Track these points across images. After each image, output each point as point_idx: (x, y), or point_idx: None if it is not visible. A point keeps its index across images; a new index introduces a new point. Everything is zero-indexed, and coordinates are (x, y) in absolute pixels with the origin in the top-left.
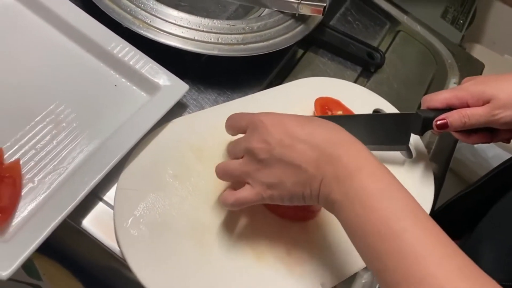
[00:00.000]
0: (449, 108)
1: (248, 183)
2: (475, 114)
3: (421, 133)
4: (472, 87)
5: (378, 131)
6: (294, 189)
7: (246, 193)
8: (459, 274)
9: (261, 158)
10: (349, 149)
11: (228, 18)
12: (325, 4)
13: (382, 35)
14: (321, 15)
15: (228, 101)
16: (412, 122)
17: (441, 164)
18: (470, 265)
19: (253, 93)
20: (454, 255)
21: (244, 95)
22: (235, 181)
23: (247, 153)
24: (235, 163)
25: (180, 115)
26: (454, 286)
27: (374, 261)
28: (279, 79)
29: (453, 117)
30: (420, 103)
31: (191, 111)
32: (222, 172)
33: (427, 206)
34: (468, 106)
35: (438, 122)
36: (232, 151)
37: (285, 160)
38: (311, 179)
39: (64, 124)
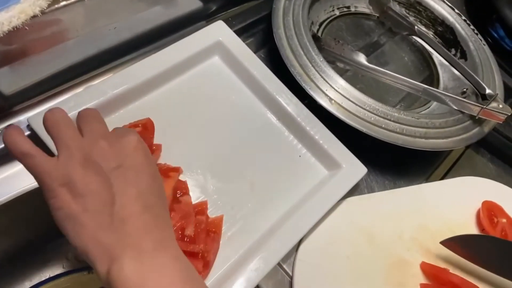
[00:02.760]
0: None
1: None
2: None
3: None
4: None
5: None
6: (90, 227)
7: (46, 163)
8: None
9: (93, 150)
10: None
11: (395, 105)
12: (509, 113)
13: None
14: (501, 122)
15: (394, 187)
16: None
17: None
18: None
19: (417, 183)
20: None
21: (408, 184)
22: None
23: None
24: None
25: (352, 194)
26: None
27: None
28: (441, 172)
29: None
30: None
31: (362, 192)
32: (52, 121)
33: None
34: None
35: None
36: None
37: (111, 181)
38: (111, 235)
39: (256, 187)
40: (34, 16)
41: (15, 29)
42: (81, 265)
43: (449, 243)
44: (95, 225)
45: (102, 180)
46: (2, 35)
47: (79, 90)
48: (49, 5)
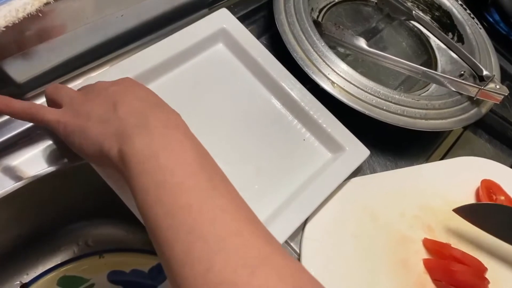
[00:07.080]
0: None
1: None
2: None
3: None
4: None
5: None
6: (96, 128)
7: (49, 110)
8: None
9: (93, 89)
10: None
11: (395, 88)
12: (506, 94)
13: None
14: (498, 102)
15: (395, 168)
16: None
17: None
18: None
19: (418, 164)
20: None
21: (409, 165)
22: None
23: (87, 88)
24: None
25: (355, 175)
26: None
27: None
28: (440, 152)
29: None
30: None
31: (364, 173)
32: (53, 88)
33: None
34: None
35: None
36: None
37: (110, 96)
38: (119, 123)
39: (262, 170)
40: (47, 3)
41: (29, 15)
42: (92, 250)
43: (461, 210)
44: (100, 126)
45: (101, 98)
46: (17, 21)
47: (88, 76)
48: None
